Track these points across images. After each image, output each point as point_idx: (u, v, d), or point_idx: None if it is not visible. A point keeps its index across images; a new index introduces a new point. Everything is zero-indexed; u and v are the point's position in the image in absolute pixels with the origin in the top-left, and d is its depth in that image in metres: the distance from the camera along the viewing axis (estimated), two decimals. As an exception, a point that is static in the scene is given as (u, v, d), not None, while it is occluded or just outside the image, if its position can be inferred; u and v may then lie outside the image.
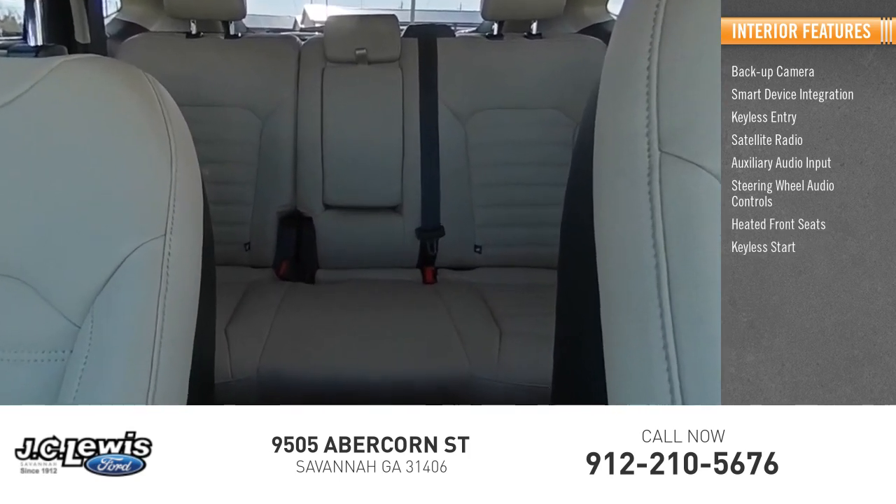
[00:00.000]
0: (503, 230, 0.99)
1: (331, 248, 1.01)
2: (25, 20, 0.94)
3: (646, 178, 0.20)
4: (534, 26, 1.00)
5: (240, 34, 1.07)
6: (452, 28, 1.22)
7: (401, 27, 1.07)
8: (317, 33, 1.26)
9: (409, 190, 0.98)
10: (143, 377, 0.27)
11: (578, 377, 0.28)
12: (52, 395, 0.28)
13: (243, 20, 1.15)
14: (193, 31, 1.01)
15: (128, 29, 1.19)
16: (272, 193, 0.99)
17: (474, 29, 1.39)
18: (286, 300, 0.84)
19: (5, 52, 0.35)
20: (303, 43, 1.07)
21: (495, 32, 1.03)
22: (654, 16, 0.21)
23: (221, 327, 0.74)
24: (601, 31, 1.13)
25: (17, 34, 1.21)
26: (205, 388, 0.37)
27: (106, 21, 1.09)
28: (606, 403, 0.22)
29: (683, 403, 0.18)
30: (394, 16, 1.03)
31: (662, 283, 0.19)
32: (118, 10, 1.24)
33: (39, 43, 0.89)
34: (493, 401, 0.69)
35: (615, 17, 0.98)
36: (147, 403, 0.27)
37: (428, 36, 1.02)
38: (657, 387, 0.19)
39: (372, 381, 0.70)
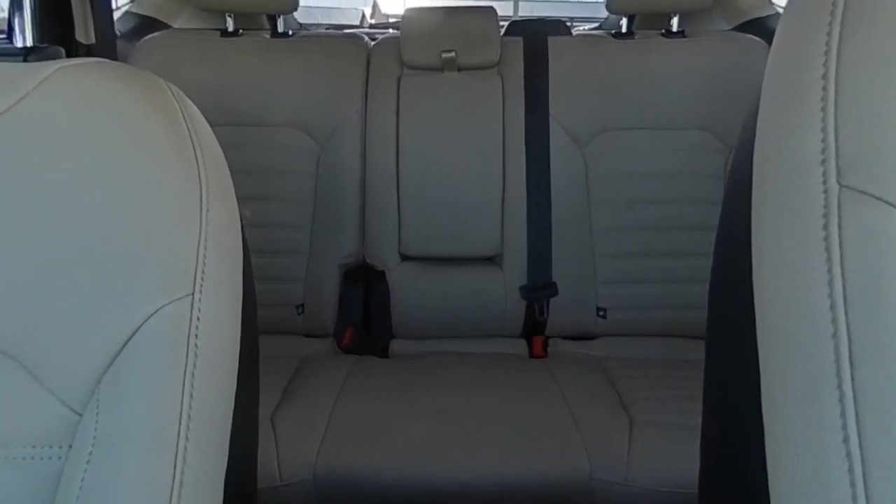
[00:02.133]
0: (634, 288, 0.88)
1: (409, 311, 0.90)
2: (10, 13, 0.81)
3: (821, 219, 0.19)
4: (674, 22, 0.88)
5: (291, 32, 0.96)
6: (568, 24, 1.09)
7: (501, 23, 0.95)
8: (391, 31, 1.15)
9: (512, 236, 0.86)
10: (163, 480, 0.24)
11: (733, 479, 0.26)
12: (48, 502, 0.27)
13: (295, 14, 1.04)
14: (230, 29, 0.89)
15: (145, 25, 1.07)
16: (333, 241, 0.88)
17: (597, 25, 1.28)
18: (350, 379, 0.75)
19: None
20: (373, 44, 0.95)
21: (624, 30, 0.90)
22: (832, 5, 0.19)
23: (267, 415, 0.68)
24: (763, 27, 1.01)
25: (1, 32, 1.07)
26: (245, 496, 0.34)
27: (116, 15, 0.97)
28: None
29: (866, 479, 0.16)
30: (492, 8, 0.91)
31: (843, 358, 0.18)
32: (131, 2, 1.11)
33: (29, 43, 0.78)
34: None
35: (781, 10, 0.93)
36: None
37: (536, 35, 0.90)
38: (835, 494, 0.17)
39: (461, 484, 0.64)
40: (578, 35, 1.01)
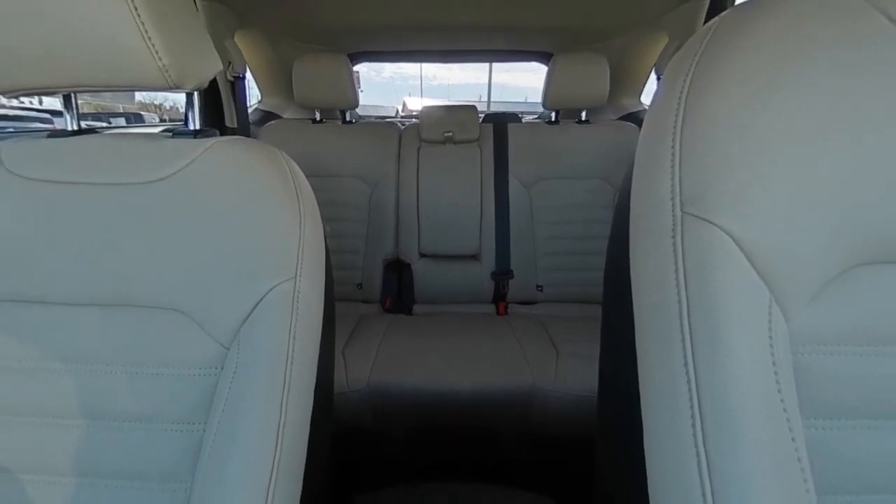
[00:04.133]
0: (560, 274, 1.14)
1: (425, 287, 1.16)
2: (186, 109, 1.06)
3: (670, 233, 0.23)
4: (583, 114, 1.16)
5: (353, 120, 1.20)
6: (520, 116, 1.38)
7: (479, 115, 1.20)
8: (414, 119, 1.39)
9: (486, 242, 1.12)
10: (278, 388, 0.30)
11: (618, 389, 0.30)
12: (207, 401, 0.32)
13: (357, 109, 1.26)
14: (318, 119, 1.16)
15: (266, 116, 1.35)
16: (379, 245, 1.14)
17: (536, 116, 1.56)
18: (390, 328, 0.95)
19: (171, 134, 0.39)
20: (403, 127, 1.20)
21: (553, 119, 1.17)
22: (677, 105, 0.24)
23: (339, 349, 0.82)
24: (636, 118, 1.29)
25: (180, 120, 1.36)
26: (327, 397, 0.39)
27: (249, 110, 1.24)
28: (640, 412, 0.24)
29: (701, 413, 0.21)
30: (474, 106, 1.18)
31: (684, 319, 0.22)
32: (259, 102, 1.41)
33: (197, 127, 1.14)
34: (550, 407, 0.76)
35: (647, 107, 1.10)
36: (280, 410, 0.29)
37: (500, 122, 1.16)
38: (680, 395, 0.21)
39: (457, 389, 0.77)
40: (526, 122, 1.24)
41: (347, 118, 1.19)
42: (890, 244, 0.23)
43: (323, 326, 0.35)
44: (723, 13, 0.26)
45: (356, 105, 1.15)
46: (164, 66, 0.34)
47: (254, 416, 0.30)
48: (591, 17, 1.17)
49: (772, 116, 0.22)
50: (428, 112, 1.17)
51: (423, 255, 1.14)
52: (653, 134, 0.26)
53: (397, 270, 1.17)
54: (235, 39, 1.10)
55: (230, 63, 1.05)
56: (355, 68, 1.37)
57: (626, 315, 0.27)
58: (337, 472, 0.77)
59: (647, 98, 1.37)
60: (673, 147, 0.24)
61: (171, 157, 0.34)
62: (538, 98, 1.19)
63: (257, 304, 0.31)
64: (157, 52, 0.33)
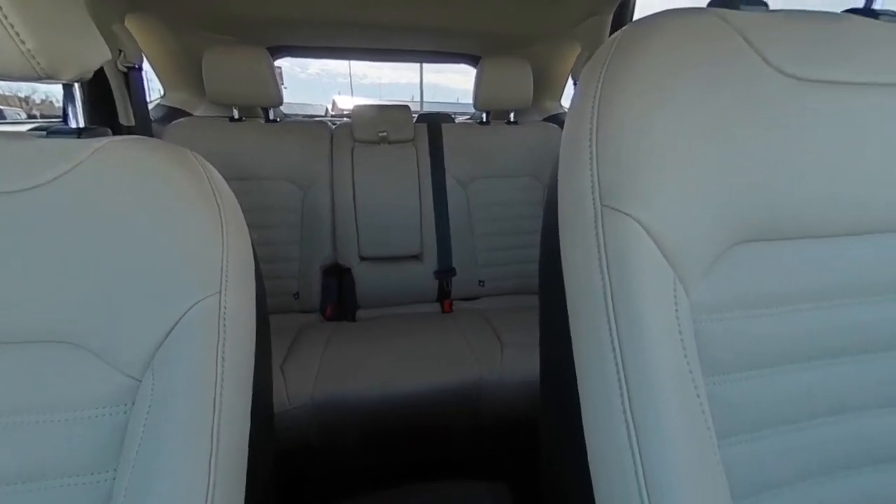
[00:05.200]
0: (499, 268, 1.18)
1: (368, 291, 1.13)
2: (65, 104, 0.93)
3: (593, 224, 0.25)
4: (511, 115, 1.22)
5: (278, 119, 1.13)
6: (452, 116, 1.41)
7: (413, 115, 1.20)
8: (345, 119, 1.37)
9: (427, 242, 1.12)
10: (207, 417, 0.27)
11: (557, 370, 0.31)
12: (116, 445, 0.28)
13: (282, 108, 1.20)
14: (236, 116, 1.08)
15: (172, 114, 1.21)
16: (315, 250, 1.10)
17: (469, 117, 1.60)
18: (333, 336, 0.93)
19: (44, 133, 0.33)
20: (334, 126, 1.17)
21: (484, 119, 1.22)
22: (591, 109, 0.26)
23: (277, 365, 0.79)
24: (558, 119, 1.39)
25: (56, 117, 1.15)
26: (266, 418, 0.37)
27: (150, 106, 1.10)
28: (577, 389, 0.26)
29: (627, 383, 0.23)
30: (407, 106, 1.18)
31: (608, 301, 0.24)
32: (162, 97, 1.25)
33: (81, 125, 0.92)
34: (498, 397, 0.78)
35: (567, 110, 1.13)
36: (211, 440, 0.27)
37: (434, 122, 1.17)
38: (608, 374, 0.24)
39: (405, 392, 0.76)
40: (459, 123, 1.26)
41: (271, 116, 1.12)
42: (761, 226, 0.28)
43: (256, 343, 0.33)
44: (624, 28, 0.29)
45: (279, 102, 1.09)
46: (28, 50, 0.29)
47: (177, 453, 0.27)
48: (515, 24, 1.22)
49: (666, 121, 0.26)
50: (361, 112, 1.14)
51: (363, 259, 1.12)
52: (573, 134, 0.28)
53: (337, 276, 1.14)
54: (127, 25, 0.98)
55: (121, 52, 0.93)
56: (277, 63, 1.27)
57: (560, 301, 0.28)
58: (285, 496, 0.74)
59: (566, 101, 1.48)
60: (590, 147, 0.26)
61: (49, 159, 0.29)
62: (469, 99, 1.23)
63: (174, 325, 0.28)
64: (16, 34, 0.28)
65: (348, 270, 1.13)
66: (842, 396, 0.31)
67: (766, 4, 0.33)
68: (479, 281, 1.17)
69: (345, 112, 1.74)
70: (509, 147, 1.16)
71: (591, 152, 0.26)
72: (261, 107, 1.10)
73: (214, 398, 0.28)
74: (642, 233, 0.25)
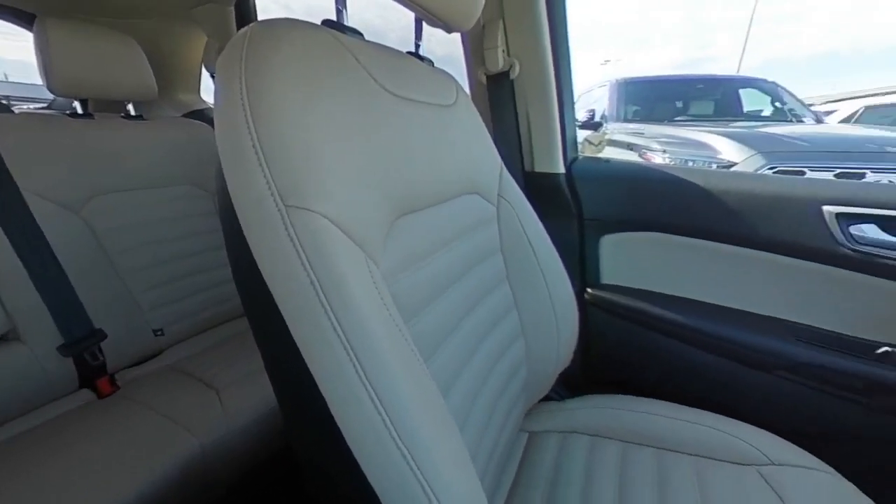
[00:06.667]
0: (182, 304, 0.95)
1: None
2: None
3: (283, 226, 0.26)
4: (130, 108, 0.98)
5: None
6: (5, 103, 0.89)
7: None
8: None
9: (22, 308, 0.73)
10: None
11: (291, 379, 0.31)
12: None
13: None
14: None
15: None
16: None
17: (45, 105, 1.08)
18: None
19: None
20: None
21: (80, 111, 0.89)
22: (241, 106, 0.26)
23: None
24: (205, 116, 1.21)
25: None
26: None
27: None
28: (316, 383, 0.27)
29: (358, 358, 0.26)
30: None
31: (319, 292, 0.26)
32: None
33: None
34: (226, 468, 0.68)
35: (212, 105, 0.97)
36: None
37: None
38: (340, 356, 0.26)
39: None
40: (29, 113, 0.88)
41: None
42: (406, 202, 0.37)
43: None
44: (252, 25, 0.30)
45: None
46: None
47: None
48: None
49: (319, 120, 0.29)
50: None
51: None
52: (229, 134, 0.27)
53: None
54: None
55: None
56: None
57: (272, 310, 0.28)
58: None
59: (207, 94, 1.32)
60: (255, 146, 0.26)
61: None
62: (30, 77, 0.86)
63: None
64: None
65: None
66: (469, 294, 0.47)
67: (361, 34, 0.42)
68: (155, 331, 0.90)
69: None
70: (145, 149, 0.92)
71: (256, 151, 0.26)
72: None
73: None
74: (330, 225, 0.27)
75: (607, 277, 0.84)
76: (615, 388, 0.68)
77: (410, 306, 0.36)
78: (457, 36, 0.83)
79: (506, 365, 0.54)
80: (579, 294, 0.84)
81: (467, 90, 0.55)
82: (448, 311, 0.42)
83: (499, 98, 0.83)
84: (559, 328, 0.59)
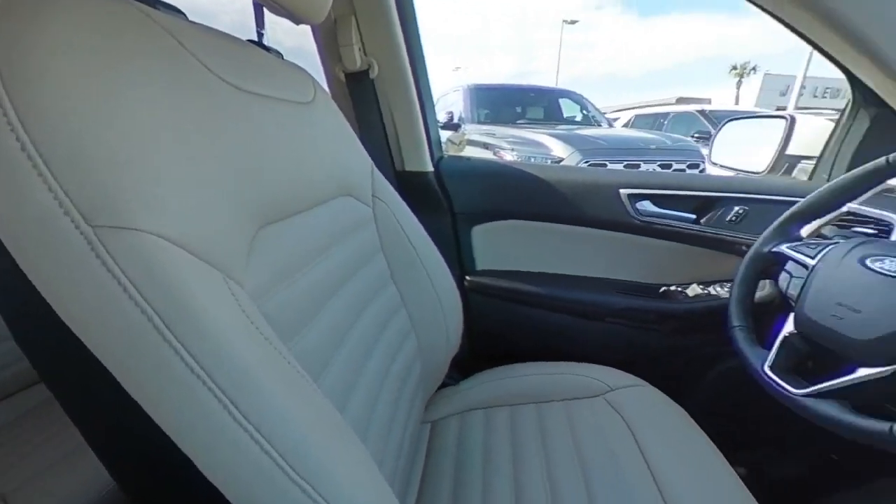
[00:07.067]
0: None
1: None
2: None
3: (91, 254, 0.20)
4: None
5: None
6: None
7: None
8: None
9: None
10: None
11: (126, 448, 0.27)
12: None
13: None
14: None
15: None
16: None
17: None
18: None
19: None
20: None
21: None
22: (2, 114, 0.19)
23: None
24: None
25: None
26: None
27: None
28: (170, 439, 0.22)
29: (228, 396, 0.22)
30: None
31: (160, 326, 0.20)
32: None
33: None
34: None
35: None
36: None
37: None
38: (202, 395, 0.21)
39: None
40: None
41: None
42: (269, 209, 0.32)
43: None
44: None
45: None
46: None
47: None
48: None
49: (135, 113, 0.23)
50: None
51: None
52: None
53: None
54: None
55: None
56: None
57: (88, 365, 0.22)
58: None
59: None
60: (28, 156, 0.19)
61: None
62: None
63: None
64: None
65: None
66: (354, 299, 0.45)
67: (183, 13, 0.35)
68: None
69: None
70: None
71: (32, 162, 0.19)
72: None
73: None
74: (165, 244, 0.22)
75: (481, 264, 0.92)
76: (500, 360, 0.75)
77: (289, 324, 0.32)
78: (307, 28, 0.77)
79: (400, 364, 0.54)
80: (459, 282, 0.90)
81: (324, 87, 0.51)
82: (334, 321, 0.40)
83: (361, 97, 0.81)
84: (446, 317, 0.62)
